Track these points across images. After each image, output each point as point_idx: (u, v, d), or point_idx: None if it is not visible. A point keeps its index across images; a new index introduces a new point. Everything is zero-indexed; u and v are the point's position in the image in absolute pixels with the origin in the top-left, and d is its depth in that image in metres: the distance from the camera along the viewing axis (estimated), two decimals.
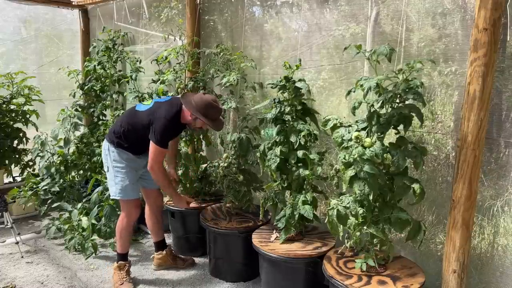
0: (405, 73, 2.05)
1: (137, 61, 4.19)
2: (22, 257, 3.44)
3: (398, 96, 2.06)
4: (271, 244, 2.64)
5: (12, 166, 4.45)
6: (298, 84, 2.57)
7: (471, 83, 1.91)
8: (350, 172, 2.07)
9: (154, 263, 3.22)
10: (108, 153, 2.85)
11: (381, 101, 2.12)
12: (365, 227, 2.14)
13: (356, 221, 2.14)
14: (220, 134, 3.27)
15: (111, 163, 2.83)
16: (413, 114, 2.04)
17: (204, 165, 3.39)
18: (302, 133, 2.52)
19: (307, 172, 2.53)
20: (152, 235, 3.21)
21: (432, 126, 2.37)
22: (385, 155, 2.04)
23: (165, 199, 3.56)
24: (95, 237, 3.47)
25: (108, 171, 2.88)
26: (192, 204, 3.22)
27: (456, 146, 2.06)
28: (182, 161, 3.36)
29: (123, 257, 2.99)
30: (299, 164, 2.61)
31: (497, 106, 2.05)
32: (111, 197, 2.93)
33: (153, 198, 3.09)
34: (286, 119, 2.60)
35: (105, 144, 2.89)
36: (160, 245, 3.19)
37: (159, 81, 3.50)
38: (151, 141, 2.68)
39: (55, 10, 5.16)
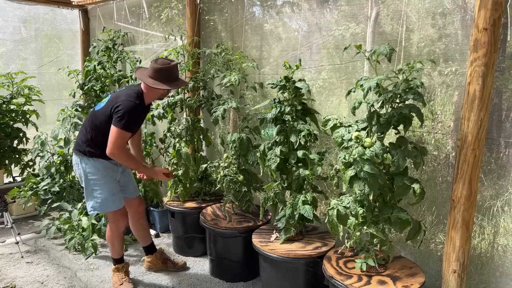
0: (405, 73, 2.05)
1: (137, 61, 4.19)
2: (22, 257, 3.44)
3: (398, 96, 2.06)
4: (271, 244, 2.65)
5: (12, 166, 4.46)
6: (298, 84, 2.57)
7: (471, 83, 1.91)
8: (350, 172, 2.07)
9: (145, 266, 3.22)
10: (80, 166, 2.68)
11: (381, 101, 2.12)
12: (365, 227, 2.14)
13: (356, 221, 2.14)
14: (220, 134, 3.27)
15: (86, 175, 2.67)
16: (413, 114, 2.04)
17: (204, 165, 3.39)
18: (302, 133, 2.52)
19: (307, 172, 2.53)
20: (139, 241, 3.17)
21: (432, 126, 2.37)
22: (385, 155, 2.04)
23: (165, 199, 3.57)
24: (95, 237, 3.47)
25: (84, 185, 2.71)
26: (163, 174, 2.85)
27: (456, 146, 2.06)
28: (182, 161, 3.36)
29: (119, 260, 2.97)
30: (299, 164, 2.61)
31: (497, 106, 2.05)
32: (88, 213, 2.77)
33: (134, 206, 2.98)
34: (286, 119, 2.60)
35: (75, 158, 2.72)
36: (149, 249, 3.17)
37: None
38: (112, 125, 2.49)
39: (55, 10, 5.16)
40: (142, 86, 2.66)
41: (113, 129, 2.50)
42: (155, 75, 2.58)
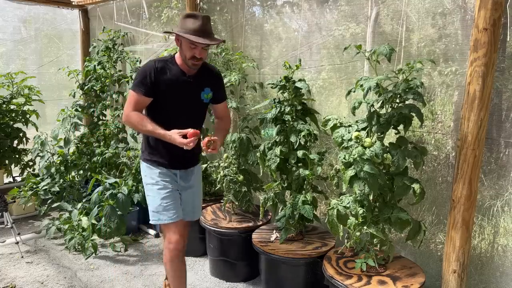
0: (405, 73, 2.05)
1: (137, 61, 4.19)
2: (22, 257, 3.44)
3: (398, 96, 2.06)
4: (271, 244, 2.64)
5: (12, 166, 4.45)
6: (298, 84, 2.57)
7: (471, 83, 1.92)
8: (350, 172, 2.07)
9: None
10: (140, 170, 2.50)
11: (381, 101, 2.12)
12: (365, 227, 2.14)
13: (356, 221, 2.14)
14: None
15: (143, 180, 2.42)
16: (413, 114, 2.04)
17: (204, 165, 3.39)
18: (302, 133, 2.52)
19: (307, 172, 2.53)
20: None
21: (432, 126, 2.37)
22: (385, 155, 2.04)
23: None
24: (95, 237, 3.47)
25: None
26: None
27: (456, 146, 2.06)
28: None
29: None
30: (299, 164, 2.61)
31: (497, 106, 2.05)
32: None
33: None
34: (286, 119, 2.60)
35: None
36: None
37: None
38: None
39: (55, 10, 5.16)
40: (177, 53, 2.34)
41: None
42: (182, 25, 2.19)
